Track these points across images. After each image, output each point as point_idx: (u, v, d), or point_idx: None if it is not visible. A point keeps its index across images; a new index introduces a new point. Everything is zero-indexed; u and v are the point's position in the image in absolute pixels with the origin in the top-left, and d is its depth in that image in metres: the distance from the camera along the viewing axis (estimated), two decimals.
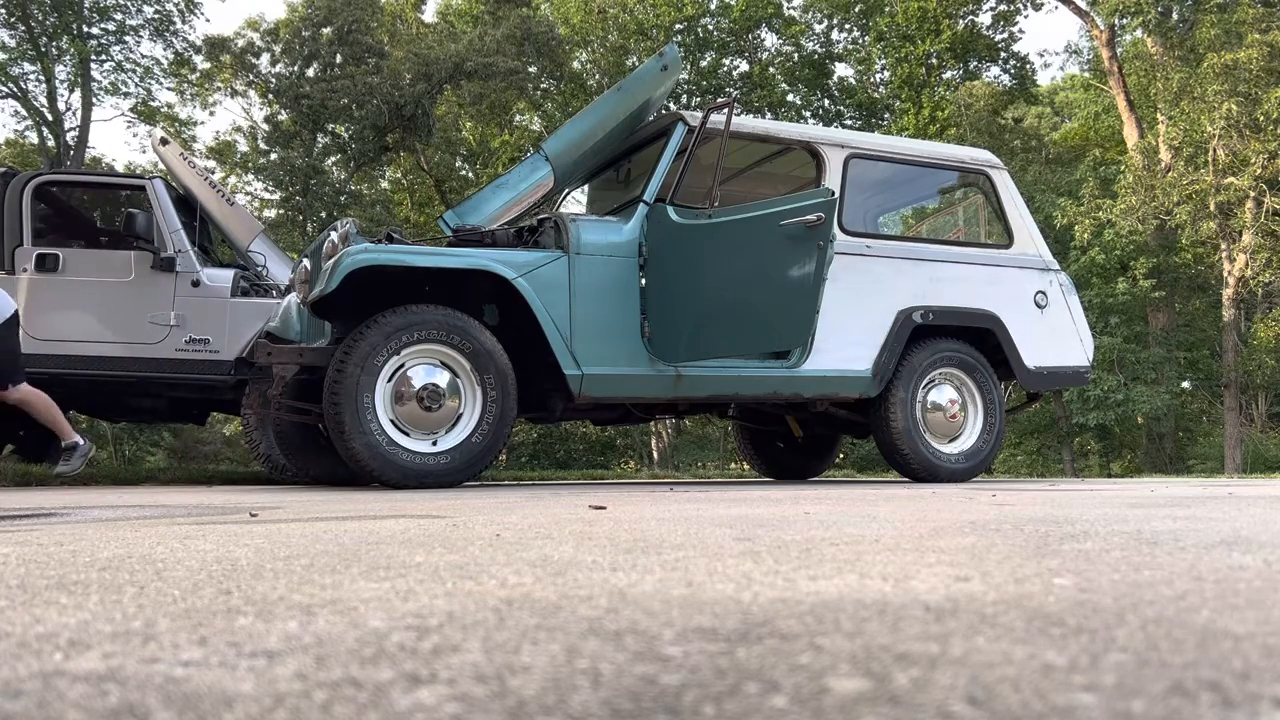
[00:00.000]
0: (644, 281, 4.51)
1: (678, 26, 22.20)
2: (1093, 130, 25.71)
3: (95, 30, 18.30)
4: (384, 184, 22.13)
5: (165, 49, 18.99)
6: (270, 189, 18.83)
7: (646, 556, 1.27)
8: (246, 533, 1.74)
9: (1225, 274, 16.81)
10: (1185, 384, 19.22)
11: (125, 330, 6.07)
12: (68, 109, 18.44)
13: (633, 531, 1.68)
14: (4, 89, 18.03)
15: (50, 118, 18.24)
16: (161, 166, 7.17)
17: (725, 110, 4.49)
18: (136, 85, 19.61)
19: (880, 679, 0.59)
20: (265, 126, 18.70)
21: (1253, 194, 15.59)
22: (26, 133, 19.78)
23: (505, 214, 4.80)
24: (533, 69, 18.59)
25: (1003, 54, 22.72)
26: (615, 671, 0.62)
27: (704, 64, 22.74)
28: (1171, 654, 0.65)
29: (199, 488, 5.49)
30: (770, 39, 24.03)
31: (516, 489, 4.50)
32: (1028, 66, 23.06)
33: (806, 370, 4.81)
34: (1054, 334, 5.43)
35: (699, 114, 4.70)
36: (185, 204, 6.59)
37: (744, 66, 23.56)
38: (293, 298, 5.02)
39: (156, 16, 18.45)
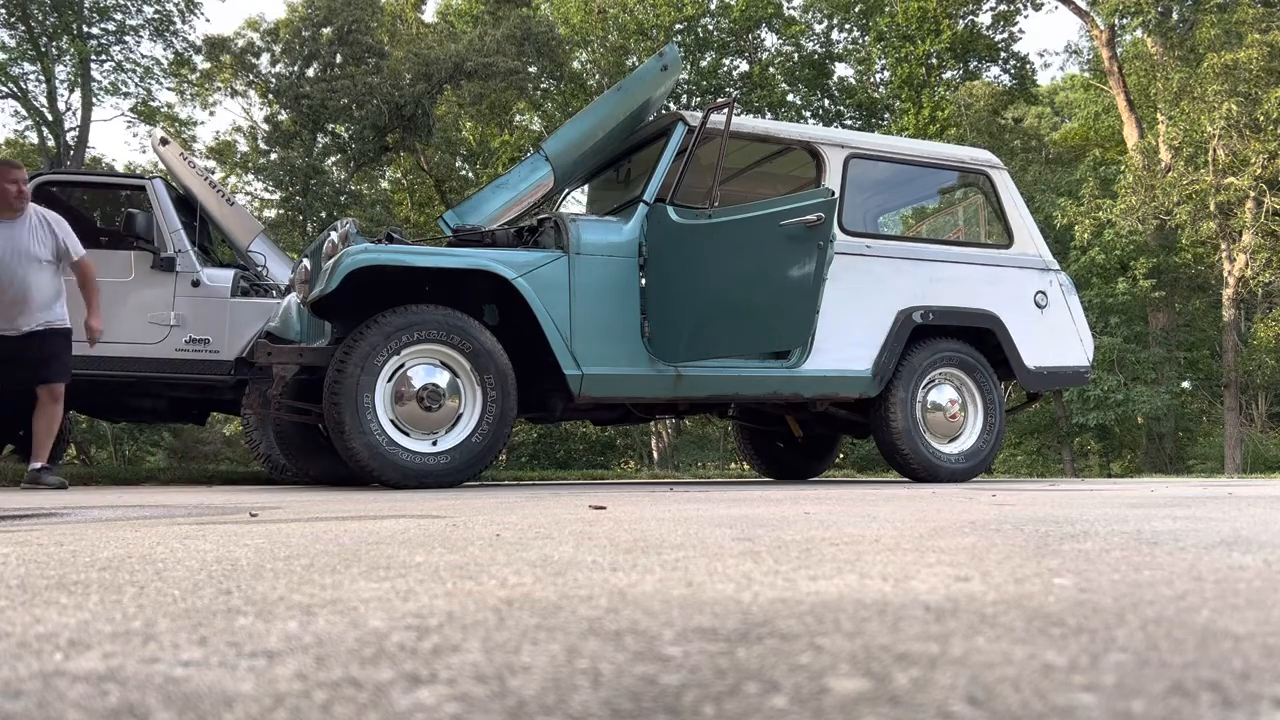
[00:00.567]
0: (644, 281, 4.51)
1: (678, 26, 22.20)
2: (1093, 130, 25.72)
3: (95, 30, 18.30)
4: (384, 184, 22.13)
5: (165, 49, 19.00)
6: (270, 189, 18.83)
7: (646, 556, 1.27)
8: (246, 533, 1.74)
9: (1225, 274, 16.81)
10: (1185, 384, 19.22)
11: (125, 330, 6.06)
12: (68, 109, 18.45)
13: (633, 531, 1.68)
14: (4, 89, 18.03)
15: (50, 118, 18.24)
16: (161, 166, 7.16)
17: (725, 110, 4.49)
18: (136, 85, 19.61)
19: (880, 679, 0.59)
20: (265, 126, 18.70)
21: (1253, 194, 15.59)
22: (26, 133, 19.79)
23: (505, 214, 4.80)
24: (533, 69, 18.59)
25: (1003, 54, 22.72)
26: (615, 671, 0.62)
27: (704, 64, 22.74)
28: (1171, 654, 0.65)
29: (199, 488, 5.49)
30: (770, 39, 24.04)
31: (516, 489, 4.50)
32: (1028, 66, 23.06)
33: (806, 370, 4.81)
34: (1054, 334, 5.43)
35: (699, 114, 4.70)
36: (185, 204, 6.59)
37: (744, 66, 23.56)
38: (293, 298, 5.01)
39: (156, 16, 18.45)
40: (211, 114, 34.84)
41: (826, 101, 23.98)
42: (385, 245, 4.14)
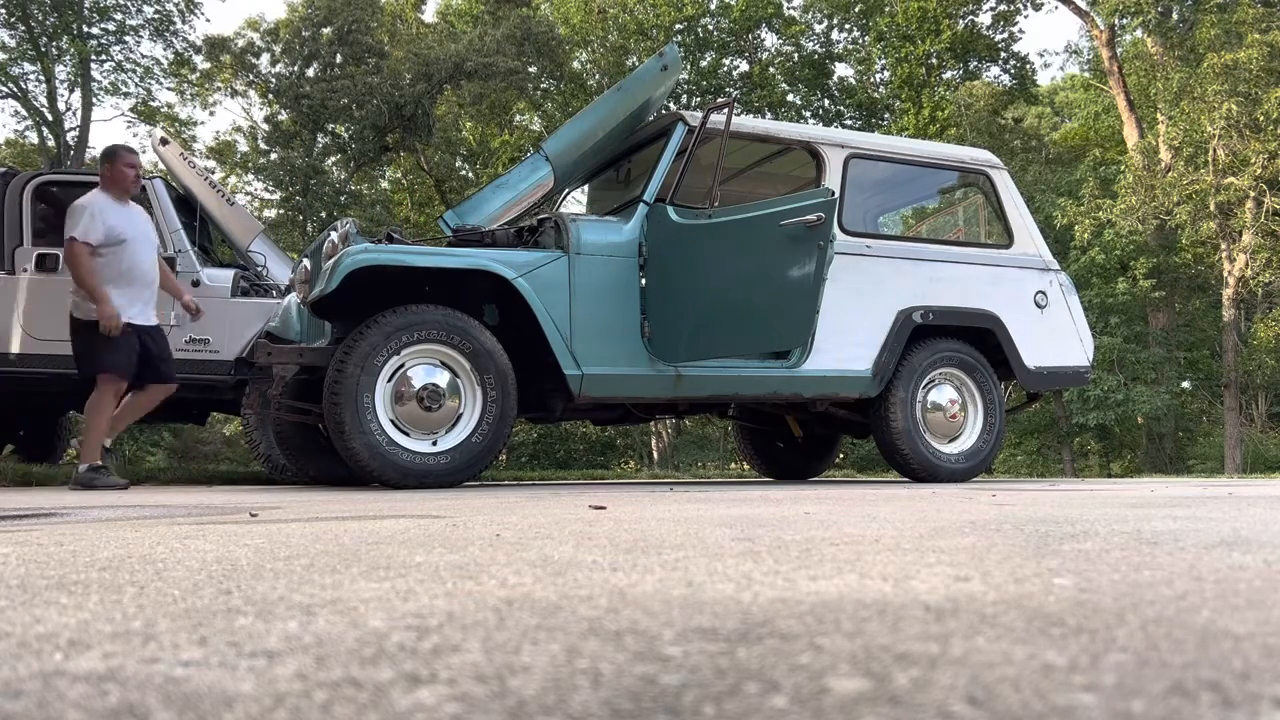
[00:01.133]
0: (644, 281, 4.51)
1: (678, 26, 22.20)
2: (1093, 130, 25.72)
3: (95, 30, 18.31)
4: (384, 184, 22.14)
5: (165, 49, 19.01)
6: (270, 189, 18.84)
7: (646, 556, 1.27)
8: (246, 533, 1.74)
9: (1225, 274, 16.81)
10: (1185, 384, 19.22)
11: None
12: (68, 109, 18.46)
13: (633, 531, 1.68)
14: (4, 89, 18.04)
15: (50, 118, 18.25)
16: (161, 166, 7.17)
17: (725, 110, 4.49)
18: (136, 85, 19.63)
19: (880, 679, 0.59)
20: (265, 126, 18.71)
21: (1253, 194, 15.59)
22: (26, 133, 19.81)
23: (505, 214, 4.80)
24: (533, 69, 18.59)
25: (1003, 54, 22.72)
26: (615, 671, 0.62)
27: (704, 64, 22.74)
28: (1171, 654, 0.65)
29: (199, 488, 5.49)
30: (770, 39, 24.05)
31: (516, 489, 4.50)
32: (1028, 66, 23.07)
33: (806, 370, 4.81)
34: (1054, 334, 5.43)
35: (699, 114, 4.70)
36: (185, 204, 6.59)
37: (744, 66, 23.57)
38: (293, 298, 5.01)
39: (156, 16, 18.47)
40: (211, 114, 34.86)
41: (826, 101, 23.98)
42: (385, 245, 4.14)
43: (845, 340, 4.89)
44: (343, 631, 0.76)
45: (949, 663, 0.63)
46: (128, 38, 18.66)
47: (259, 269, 6.64)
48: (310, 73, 17.28)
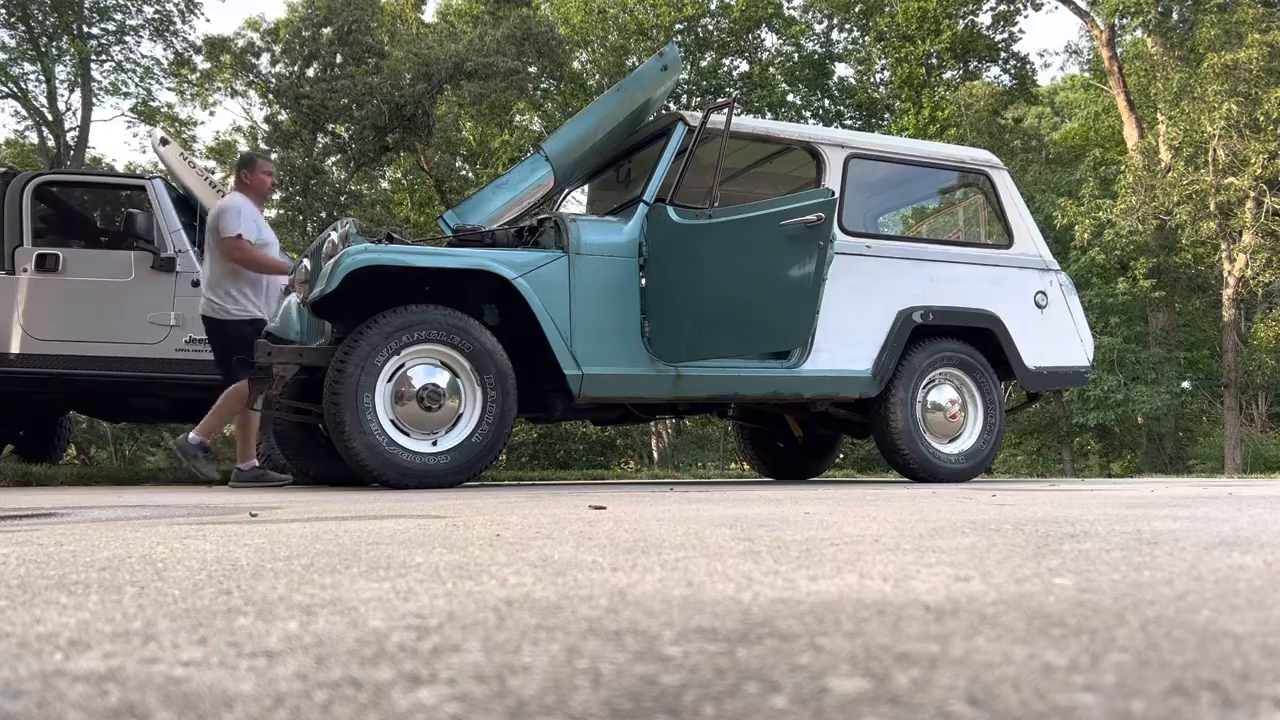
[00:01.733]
0: (644, 281, 4.51)
1: (678, 26, 22.20)
2: (1093, 130, 25.72)
3: (95, 30, 18.31)
4: (384, 184, 22.13)
5: (165, 49, 19.01)
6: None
7: (646, 556, 1.27)
8: (246, 533, 1.74)
9: (1225, 274, 16.81)
10: (1185, 384, 19.21)
11: (125, 330, 6.07)
12: (68, 109, 18.46)
13: (633, 531, 1.68)
14: (4, 89, 18.04)
15: (50, 118, 18.25)
16: (161, 166, 7.17)
17: (725, 110, 4.49)
18: (136, 85, 19.63)
19: (880, 679, 0.59)
20: (265, 126, 18.71)
21: (1253, 194, 15.59)
22: (26, 133, 19.80)
23: (505, 214, 4.80)
24: (533, 69, 18.58)
25: (1003, 54, 22.72)
26: (615, 671, 0.62)
27: (704, 64, 22.74)
28: (1171, 654, 0.65)
29: (199, 488, 5.49)
30: (770, 39, 24.04)
31: (516, 489, 4.50)
32: (1028, 66, 23.07)
33: (806, 370, 4.81)
34: (1054, 334, 5.43)
35: (699, 114, 4.70)
36: (185, 204, 6.59)
37: (744, 66, 23.56)
38: (293, 298, 5.02)
39: (156, 16, 18.46)
40: (211, 114, 34.84)
41: (826, 101, 23.98)
42: (385, 245, 4.14)
43: (845, 340, 4.89)
44: (343, 631, 0.76)
45: (949, 663, 0.63)
46: (128, 38, 18.67)
47: None
48: (310, 73, 17.28)
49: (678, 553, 1.32)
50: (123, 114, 31.81)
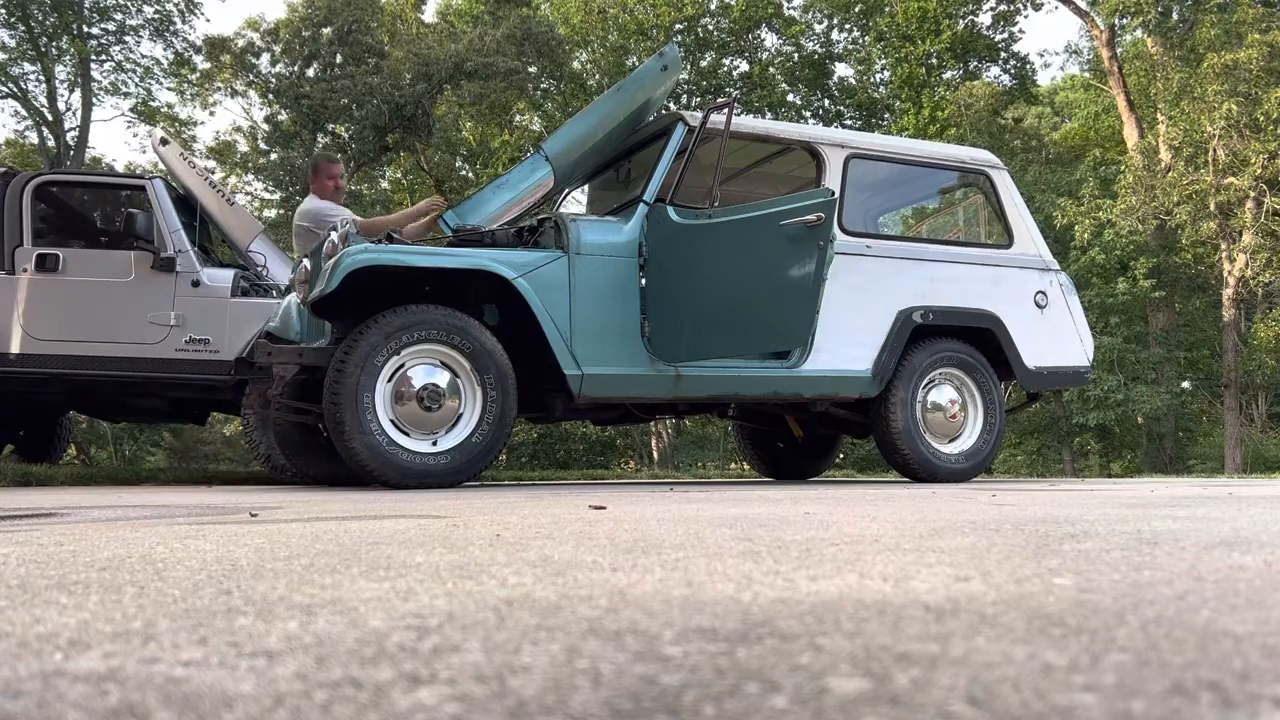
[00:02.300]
0: (644, 281, 4.51)
1: (678, 26, 22.20)
2: (1093, 130, 25.72)
3: (95, 30, 18.32)
4: (384, 184, 22.13)
5: (165, 49, 19.02)
6: (270, 189, 18.83)
7: (646, 556, 1.27)
8: (246, 533, 1.74)
9: (1225, 274, 16.81)
10: (1185, 384, 19.21)
11: (125, 330, 6.06)
12: (68, 109, 18.47)
13: (633, 531, 1.68)
14: (4, 89, 18.04)
15: (50, 118, 18.26)
16: (161, 166, 7.16)
17: (725, 110, 4.49)
18: (136, 85, 19.64)
19: (880, 679, 0.59)
20: (265, 126, 18.70)
21: (1253, 194, 15.59)
22: (26, 133, 19.80)
23: (505, 214, 4.80)
24: (533, 69, 18.58)
25: (1003, 54, 22.72)
26: (615, 671, 0.62)
27: (704, 64, 22.73)
28: (1171, 654, 0.65)
29: (199, 488, 5.49)
30: (770, 39, 24.04)
31: (516, 489, 4.50)
32: (1028, 66, 23.07)
33: (806, 370, 4.81)
34: (1054, 334, 5.43)
35: (699, 114, 4.70)
36: (185, 204, 6.58)
37: (744, 66, 23.56)
38: (293, 298, 5.01)
39: (156, 16, 18.47)
40: (211, 114, 34.80)
41: (826, 101, 23.98)
42: (385, 245, 4.14)
43: (845, 340, 4.89)
44: (343, 631, 0.76)
45: (949, 663, 0.63)
46: (128, 38, 18.67)
47: (259, 269, 6.64)
48: (310, 73, 17.27)
49: (678, 553, 1.32)
50: (123, 114, 31.82)
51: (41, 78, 17.87)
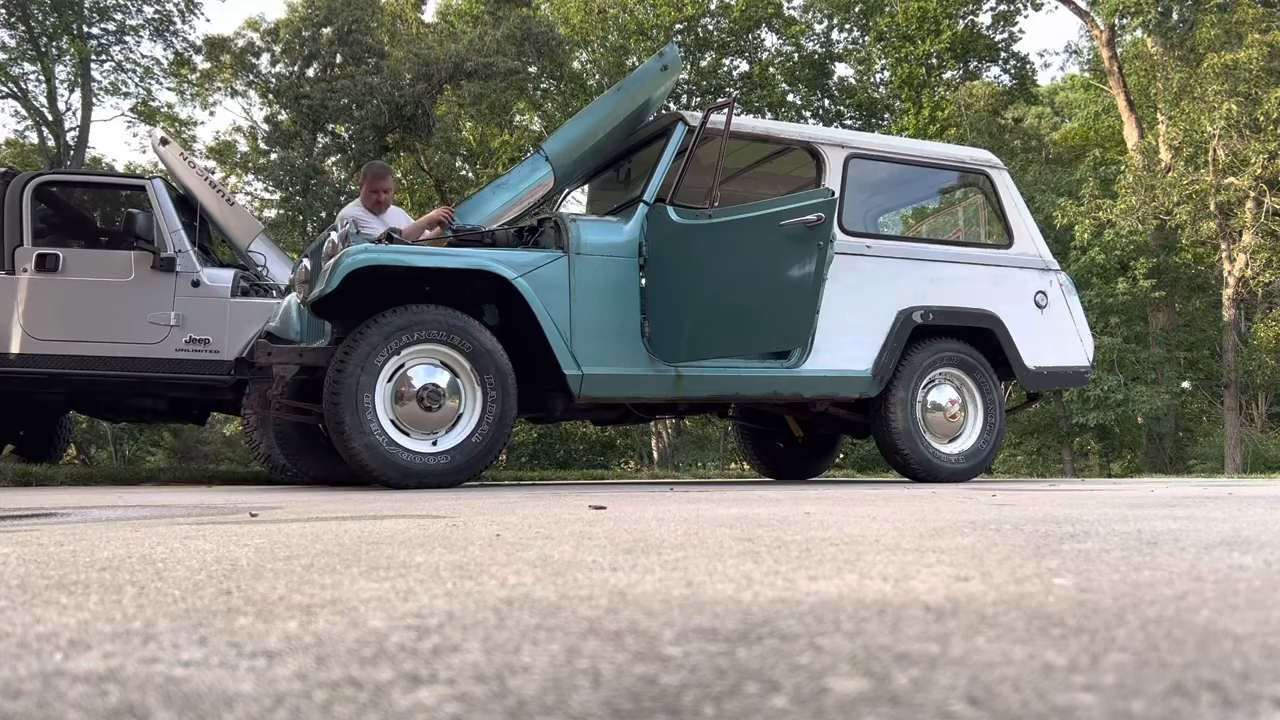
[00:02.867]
0: (644, 281, 4.51)
1: (678, 26, 22.19)
2: (1093, 130, 25.71)
3: (95, 30, 18.32)
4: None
5: (165, 49, 19.01)
6: (270, 189, 18.82)
7: (646, 556, 1.27)
8: (246, 533, 1.74)
9: (1225, 274, 16.81)
10: (1185, 384, 19.21)
11: (125, 330, 6.07)
12: (68, 109, 18.47)
13: (633, 531, 1.68)
14: (4, 89, 18.05)
15: (50, 118, 18.26)
16: (161, 166, 7.16)
17: (725, 110, 4.49)
18: (136, 85, 19.64)
19: (880, 679, 0.59)
20: (265, 126, 18.69)
21: (1253, 194, 15.59)
22: (26, 133, 19.80)
23: (505, 214, 4.80)
24: (533, 69, 18.58)
25: (1003, 54, 22.71)
26: (615, 671, 0.62)
27: (704, 64, 22.73)
28: (1171, 654, 0.65)
29: (199, 488, 5.49)
30: (770, 39, 24.03)
31: (516, 489, 4.50)
32: (1028, 66, 23.06)
33: (806, 370, 4.81)
34: (1054, 334, 5.43)
35: (699, 114, 4.70)
36: (185, 204, 6.59)
37: (744, 66, 23.55)
38: (293, 298, 5.01)
39: (156, 16, 18.47)
40: (211, 114, 34.82)
41: (826, 101, 23.97)
42: (385, 245, 4.14)
43: (845, 340, 4.89)
44: (343, 631, 0.76)
45: (949, 663, 0.63)
46: (128, 38, 18.67)
47: (259, 269, 6.64)
48: (310, 73, 17.27)
49: (678, 553, 1.32)
50: (123, 114, 31.84)
51: (41, 78, 17.88)
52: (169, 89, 20.55)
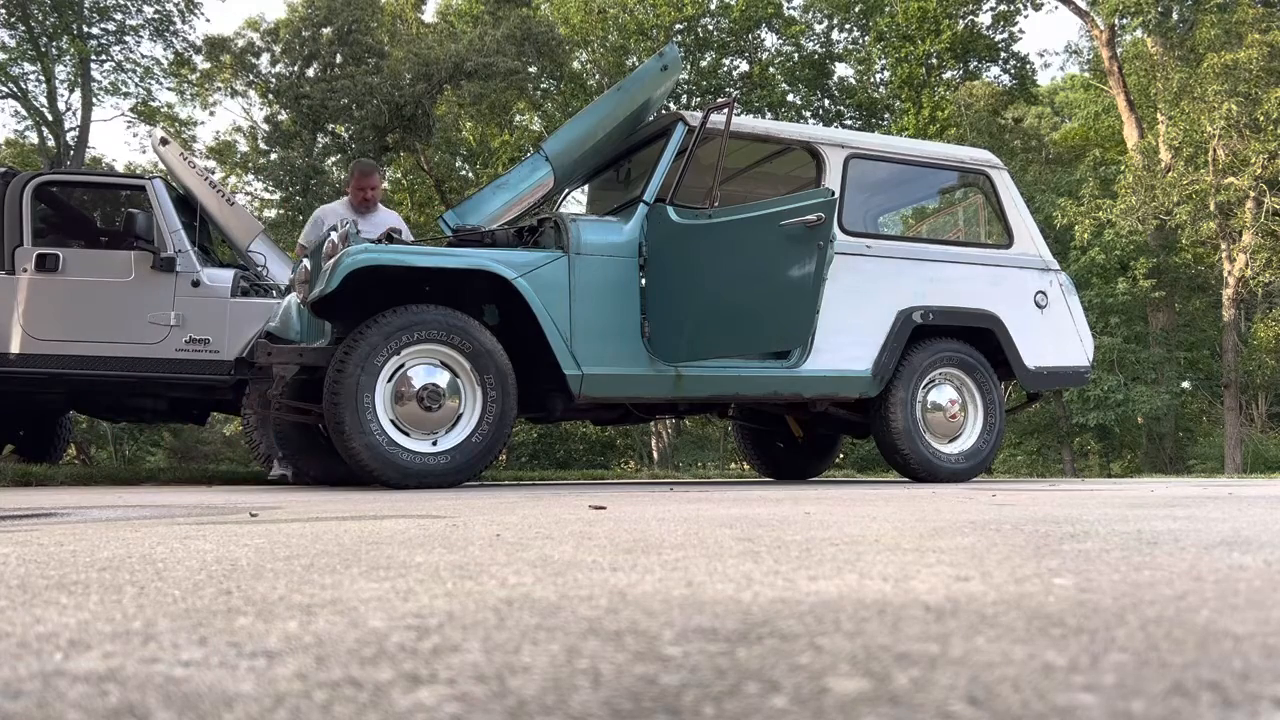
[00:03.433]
0: (644, 281, 4.51)
1: (678, 26, 22.20)
2: (1093, 130, 25.71)
3: (95, 30, 18.33)
4: (384, 184, 22.10)
5: (165, 49, 19.02)
6: (270, 189, 18.83)
7: (646, 556, 1.27)
8: (246, 533, 1.73)
9: (1225, 274, 16.81)
10: (1185, 384, 19.21)
11: (125, 330, 6.06)
12: (68, 109, 18.48)
13: (633, 531, 1.68)
14: (4, 89, 18.05)
15: (50, 118, 18.26)
16: (161, 166, 7.16)
17: (725, 110, 4.49)
18: (136, 85, 19.65)
19: (880, 679, 0.59)
20: (265, 126, 18.70)
21: (1253, 194, 15.59)
22: (26, 133, 19.81)
23: (505, 214, 4.80)
24: (533, 69, 18.58)
25: (1003, 54, 22.72)
26: (615, 671, 0.62)
27: (704, 64, 22.73)
28: (1171, 654, 0.65)
29: (199, 488, 5.49)
30: (770, 39, 24.04)
31: (516, 489, 4.50)
32: (1028, 66, 23.06)
33: (806, 370, 4.81)
34: (1054, 334, 5.43)
35: (699, 114, 4.70)
36: (185, 204, 6.58)
37: (744, 66, 23.56)
38: (293, 298, 5.01)
39: (156, 16, 18.48)
40: (211, 114, 34.83)
41: (826, 101, 23.97)
42: (385, 245, 4.14)
43: (845, 340, 4.89)
44: (343, 631, 0.76)
45: (949, 663, 0.63)
46: (128, 38, 18.68)
47: (259, 269, 6.64)
48: (310, 73, 17.27)
49: (678, 553, 1.32)
50: (123, 114, 31.83)
51: (41, 78, 17.89)
52: (169, 89, 20.57)
